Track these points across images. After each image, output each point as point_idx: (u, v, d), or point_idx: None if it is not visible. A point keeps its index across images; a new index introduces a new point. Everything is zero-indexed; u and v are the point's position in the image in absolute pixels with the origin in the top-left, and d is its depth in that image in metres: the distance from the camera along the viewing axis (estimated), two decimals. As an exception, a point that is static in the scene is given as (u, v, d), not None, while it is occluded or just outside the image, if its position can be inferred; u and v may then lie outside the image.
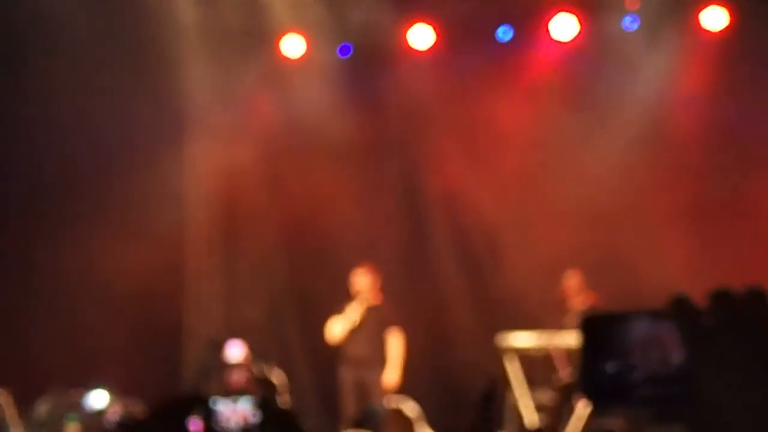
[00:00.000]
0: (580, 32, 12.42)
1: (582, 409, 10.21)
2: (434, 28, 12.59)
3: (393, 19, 12.51)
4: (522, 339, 11.05)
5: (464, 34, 12.49)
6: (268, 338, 12.09)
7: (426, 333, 12.13)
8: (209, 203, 12.76)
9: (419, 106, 12.68)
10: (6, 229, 12.19)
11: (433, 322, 12.44)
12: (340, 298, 11.40)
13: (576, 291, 11.47)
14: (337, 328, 11.31)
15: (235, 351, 10.58)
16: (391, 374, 11.21)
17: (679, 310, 2.05)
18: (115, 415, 10.21)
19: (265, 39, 12.64)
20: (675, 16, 12.31)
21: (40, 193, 12.23)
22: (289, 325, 12.75)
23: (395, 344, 11.28)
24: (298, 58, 12.72)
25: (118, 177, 12.25)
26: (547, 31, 12.46)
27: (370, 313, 11.30)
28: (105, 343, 11.67)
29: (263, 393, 10.05)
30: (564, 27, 12.44)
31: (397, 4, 12.54)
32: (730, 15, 12.14)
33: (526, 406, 10.92)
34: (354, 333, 11.27)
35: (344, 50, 12.78)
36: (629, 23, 12.42)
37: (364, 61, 12.70)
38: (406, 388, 11.34)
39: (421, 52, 12.68)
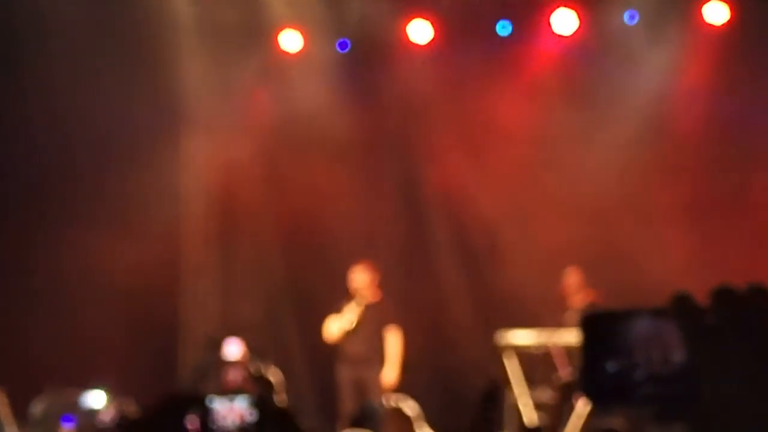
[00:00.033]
0: (580, 26, 12.39)
1: (582, 407, 10.18)
2: (433, 23, 12.58)
3: (391, 14, 12.51)
4: (521, 337, 11.03)
5: (463, 28, 12.48)
6: (265, 336, 12.06)
7: (425, 331, 12.10)
8: (207, 199, 12.77)
9: (418, 102, 12.66)
10: (1, 228, 12.17)
11: (432, 319, 12.42)
12: (339, 295, 11.37)
13: (576, 288, 11.44)
14: (334, 328, 11.27)
15: (233, 349, 10.57)
16: (390, 372, 11.18)
17: (681, 308, 2.07)
18: (108, 415, 10.16)
19: (262, 34, 12.64)
20: (676, 11, 12.30)
21: (36, 190, 12.25)
22: (287, 322, 12.73)
23: (394, 342, 11.24)
24: (296, 54, 12.71)
25: (115, 173, 12.26)
26: (547, 25, 12.44)
27: (369, 310, 11.26)
28: (101, 341, 11.67)
29: (260, 391, 10.02)
30: (564, 21, 12.40)
31: (396, -2, 12.55)
32: (731, 9, 12.10)
33: (526, 404, 10.89)
34: (352, 331, 11.23)
35: (342, 45, 12.75)
36: (630, 17, 12.38)
37: (363, 57, 12.69)
38: (404, 386, 11.31)
39: (420, 46, 12.67)
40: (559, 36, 12.49)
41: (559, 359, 11.02)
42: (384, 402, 11.15)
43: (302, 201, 12.53)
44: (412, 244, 12.83)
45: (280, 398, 10.64)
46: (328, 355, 11.39)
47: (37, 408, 10.53)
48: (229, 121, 12.66)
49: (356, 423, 10.71)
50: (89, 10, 11.93)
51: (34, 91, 11.99)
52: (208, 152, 12.57)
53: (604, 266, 11.46)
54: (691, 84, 12.40)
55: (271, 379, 10.78)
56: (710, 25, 12.21)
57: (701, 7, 12.22)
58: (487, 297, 12.42)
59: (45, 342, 11.48)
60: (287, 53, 12.71)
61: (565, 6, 12.37)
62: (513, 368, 10.97)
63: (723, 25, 12.18)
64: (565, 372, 10.89)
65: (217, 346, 10.66)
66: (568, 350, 10.80)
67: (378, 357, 11.19)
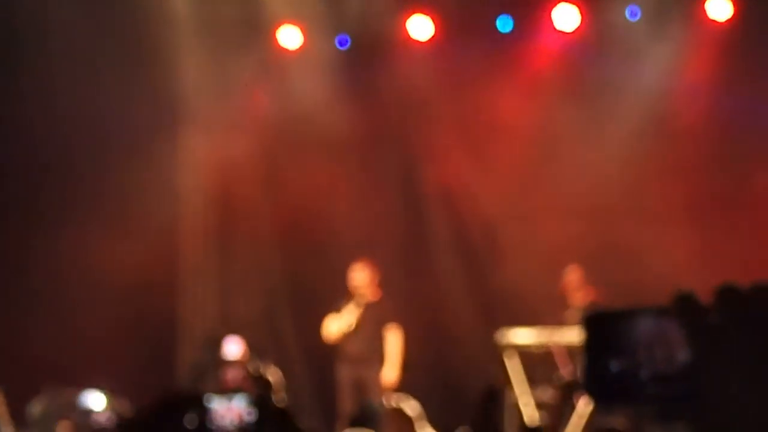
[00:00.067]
0: (581, 23, 12.36)
1: (583, 407, 10.16)
2: (433, 19, 12.56)
3: (391, 10, 12.51)
4: (522, 336, 11.01)
5: (464, 24, 12.47)
6: (264, 334, 12.05)
7: (425, 329, 12.07)
8: (205, 198, 12.80)
9: (418, 98, 12.64)
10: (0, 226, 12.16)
11: (432, 318, 12.40)
12: (338, 293, 11.33)
13: (577, 286, 11.41)
14: (334, 327, 11.23)
15: (233, 348, 10.56)
16: (390, 372, 11.14)
17: (684, 307, 2.04)
18: (105, 416, 10.13)
19: (261, 30, 12.63)
20: (678, 7, 12.30)
21: (34, 188, 12.28)
22: (286, 321, 12.71)
23: (394, 341, 11.20)
24: (295, 50, 12.69)
25: (113, 170, 12.28)
26: (548, 21, 12.41)
27: (368, 309, 11.22)
28: (99, 340, 11.68)
29: (259, 391, 9.99)
30: (566, 17, 12.37)
31: (396, -6, 12.52)
32: (734, 5, 12.06)
33: (527, 403, 10.86)
34: (352, 330, 11.19)
35: (342, 41, 12.71)
36: (632, 14, 12.34)
37: (363, 53, 12.67)
38: (405, 385, 11.28)
39: (420, 43, 12.66)
40: (561, 32, 12.46)
41: (560, 358, 11.00)
42: (384, 402, 11.12)
43: (301, 199, 12.51)
44: (412, 242, 12.80)
45: (279, 398, 10.60)
46: (328, 354, 11.36)
47: (35, 408, 10.51)
48: (228, 119, 12.66)
49: (356, 423, 10.67)
50: (89, 10, 11.97)
51: (33, 90, 12.03)
52: (206, 150, 12.59)
53: (604, 264, 11.45)
54: (693, 81, 12.38)
55: (270, 378, 10.75)
56: (713, 21, 12.19)
57: (704, 4, 12.19)
58: (487, 295, 12.40)
59: (43, 341, 11.48)
60: (286, 50, 12.69)
61: (567, 2, 12.33)
62: (514, 367, 10.95)
63: (726, 21, 12.15)
64: (566, 371, 10.88)
65: (216, 345, 10.64)
66: (569, 349, 10.78)
67: (378, 356, 11.15)
